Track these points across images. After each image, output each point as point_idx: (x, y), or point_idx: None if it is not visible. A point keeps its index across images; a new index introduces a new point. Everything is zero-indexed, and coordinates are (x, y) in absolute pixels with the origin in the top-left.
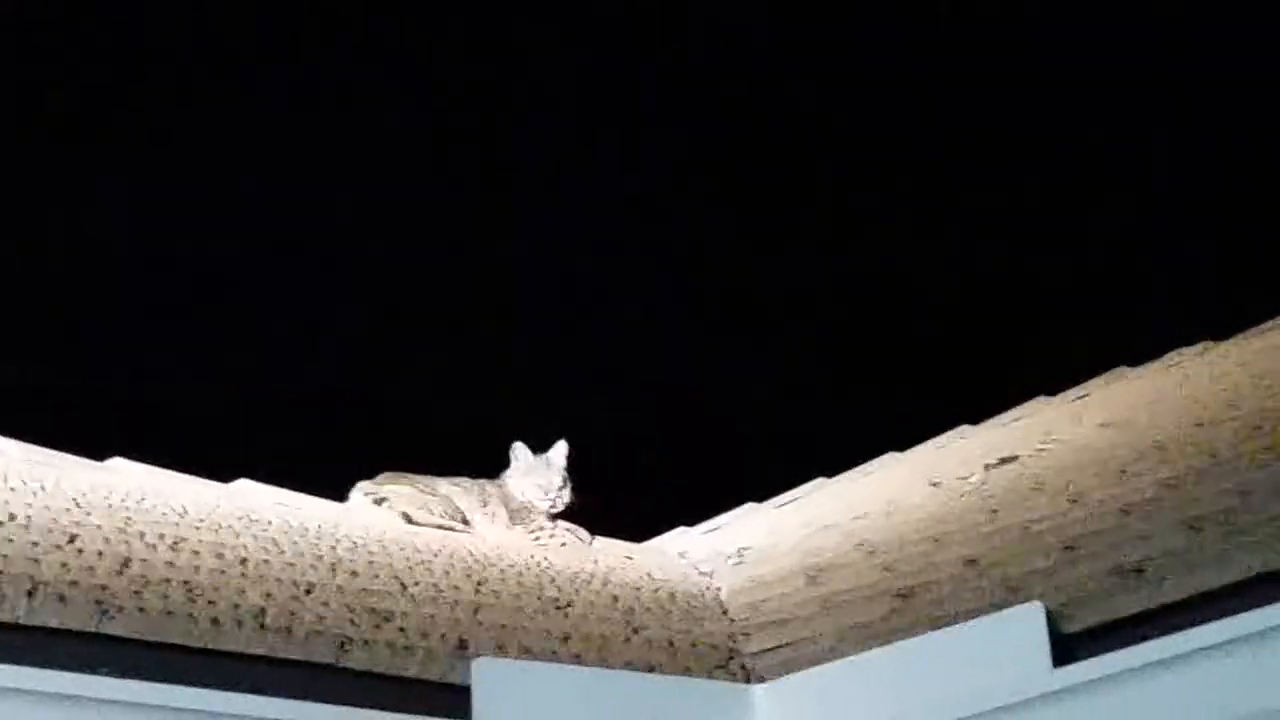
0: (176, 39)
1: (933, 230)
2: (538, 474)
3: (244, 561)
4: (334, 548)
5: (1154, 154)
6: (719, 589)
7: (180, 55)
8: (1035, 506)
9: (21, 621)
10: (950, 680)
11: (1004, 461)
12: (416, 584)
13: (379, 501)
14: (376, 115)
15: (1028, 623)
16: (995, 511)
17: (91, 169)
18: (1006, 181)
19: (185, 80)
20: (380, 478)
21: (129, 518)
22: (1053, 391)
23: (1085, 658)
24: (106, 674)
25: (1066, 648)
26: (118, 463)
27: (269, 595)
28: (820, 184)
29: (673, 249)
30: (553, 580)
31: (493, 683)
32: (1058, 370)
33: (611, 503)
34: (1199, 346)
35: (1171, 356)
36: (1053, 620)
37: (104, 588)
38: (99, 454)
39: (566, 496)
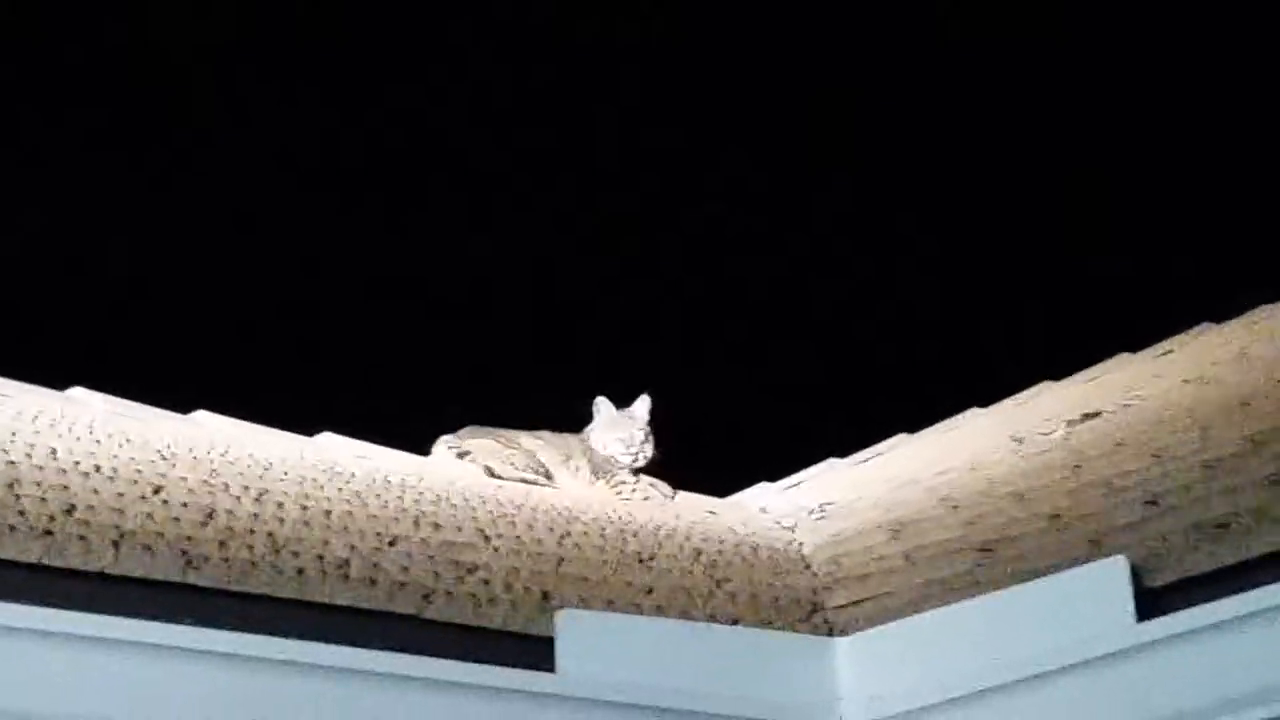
0: None
1: (1021, 188)
2: (620, 428)
3: (328, 513)
4: (417, 500)
5: (1236, 104)
6: (801, 543)
7: None
8: (1118, 462)
9: (108, 571)
10: (1033, 634)
11: (1087, 417)
12: (500, 536)
13: (462, 455)
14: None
15: (1111, 577)
16: (1078, 467)
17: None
18: (1091, 132)
19: None
20: (463, 432)
21: (214, 469)
22: (1135, 348)
23: (1169, 612)
24: (191, 624)
25: (1150, 602)
26: (202, 415)
27: (353, 547)
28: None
29: (751, 203)
30: (635, 534)
31: (576, 634)
32: (1140, 326)
33: (693, 458)
34: None
35: (1256, 313)
36: (1136, 574)
37: (189, 538)
38: (183, 407)
39: (649, 451)
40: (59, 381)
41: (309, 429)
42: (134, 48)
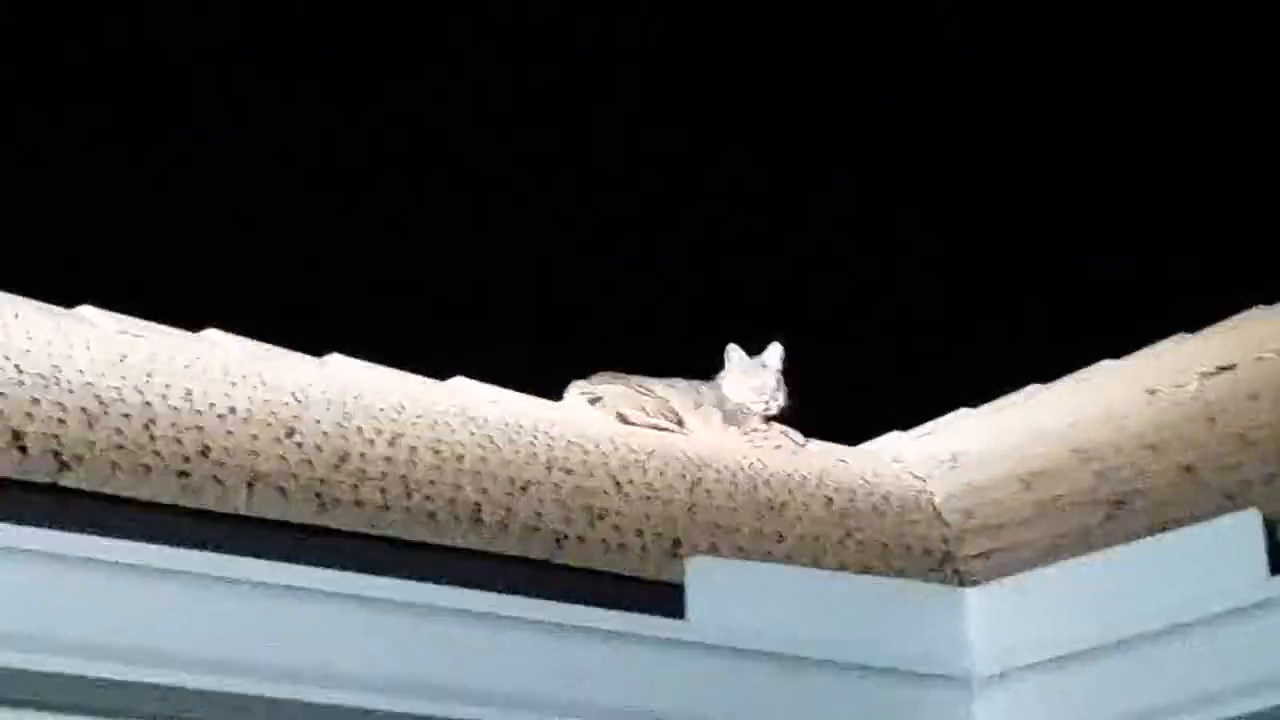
0: None
1: (1159, 134)
2: (752, 376)
3: (460, 458)
4: (549, 446)
5: None
6: (932, 493)
7: None
8: (1253, 415)
9: (241, 513)
10: (1165, 587)
11: (1221, 370)
12: (631, 483)
13: (594, 401)
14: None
15: (1245, 530)
16: (1212, 420)
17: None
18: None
19: None
20: (595, 378)
21: (347, 413)
22: (1271, 300)
23: None
24: (325, 566)
25: None
26: (335, 359)
27: (485, 491)
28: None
29: (886, 145)
30: (766, 482)
31: (707, 581)
32: (1277, 278)
33: (825, 406)
34: None
35: None
36: (1270, 528)
37: (322, 481)
38: (316, 350)
39: (781, 399)
40: (193, 323)
41: (442, 374)
42: (133, 47)
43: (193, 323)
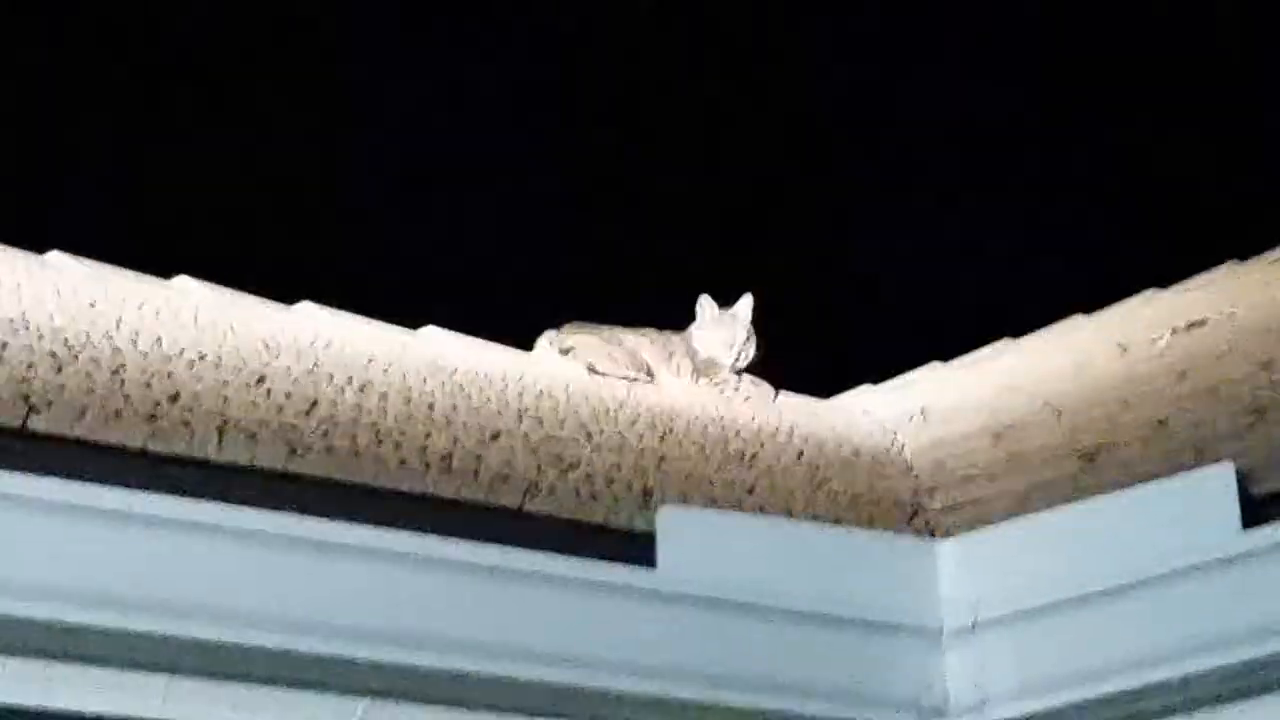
0: None
1: (1130, 90)
2: (723, 328)
3: (431, 406)
4: (520, 395)
5: None
6: (904, 445)
7: None
8: (1225, 370)
9: (212, 459)
10: (1137, 540)
11: (1193, 325)
12: (602, 432)
13: (564, 351)
14: None
15: (1217, 484)
16: (1183, 374)
17: None
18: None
19: None
20: (566, 328)
21: (317, 360)
22: (1244, 256)
23: (1276, 520)
24: (294, 512)
25: (1257, 510)
26: (306, 306)
27: (455, 440)
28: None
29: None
30: (737, 433)
31: (677, 530)
32: (1249, 234)
33: (796, 358)
34: None
35: None
36: (1242, 483)
37: (293, 427)
38: (288, 299)
39: (751, 352)
40: (161, 270)
41: (412, 322)
42: (133, 46)
43: (163, 270)
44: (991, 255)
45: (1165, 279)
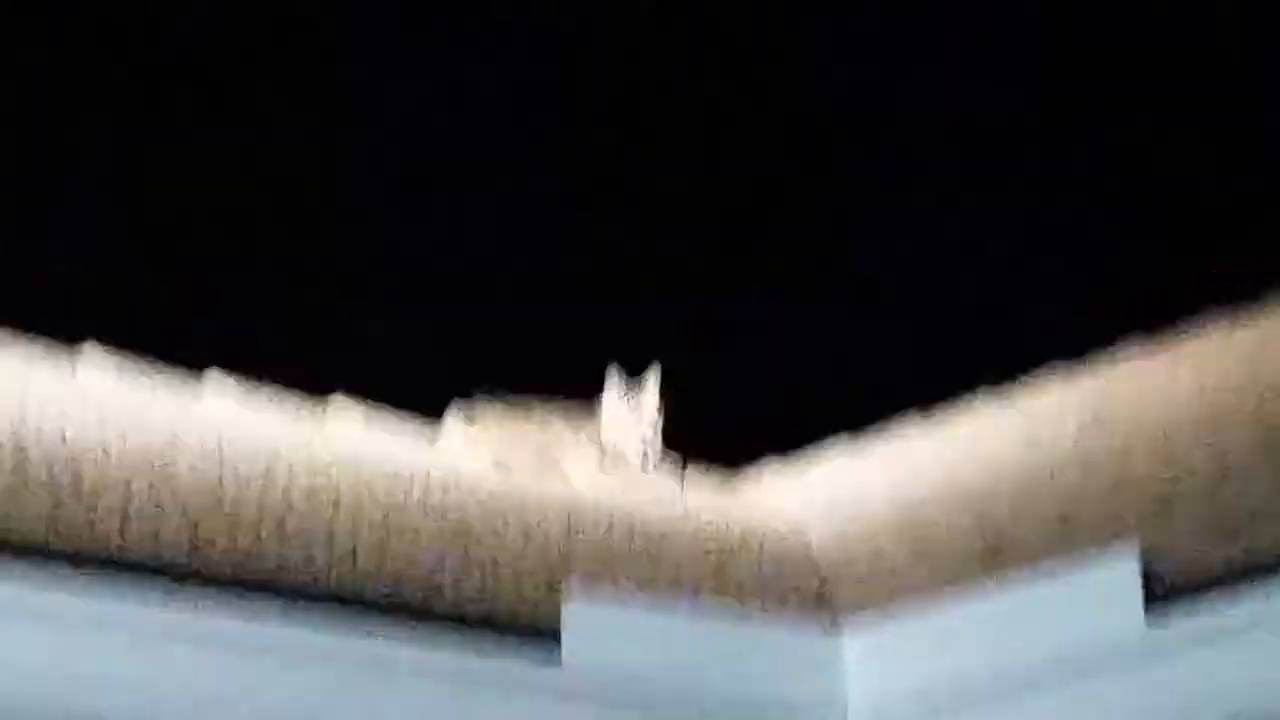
0: None
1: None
2: (630, 425)
3: (336, 503)
4: (426, 488)
5: None
6: (809, 536)
7: None
8: (1130, 461)
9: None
10: (1042, 630)
11: (1098, 415)
12: (507, 525)
13: (471, 437)
14: None
15: (1122, 574)
16: (1088, 465)
17: None
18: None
19: None
20: (476, 404)
21: (222, 455)
22: (1151, 333)
23: (1179, 613)
24: (196, 611)
25: (1161, 602)
26: (213, 376)
27: (359, 535)
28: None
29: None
30: (642, 528)
31: (583, 625)
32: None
33: (702, 428)
34: None
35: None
36: (1147, 574)
37: (196, 524)
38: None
39: (658, 445)
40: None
41: (322, 388)
42: (133, 46)
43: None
44: (991, 255)
45: (1073, 356)
